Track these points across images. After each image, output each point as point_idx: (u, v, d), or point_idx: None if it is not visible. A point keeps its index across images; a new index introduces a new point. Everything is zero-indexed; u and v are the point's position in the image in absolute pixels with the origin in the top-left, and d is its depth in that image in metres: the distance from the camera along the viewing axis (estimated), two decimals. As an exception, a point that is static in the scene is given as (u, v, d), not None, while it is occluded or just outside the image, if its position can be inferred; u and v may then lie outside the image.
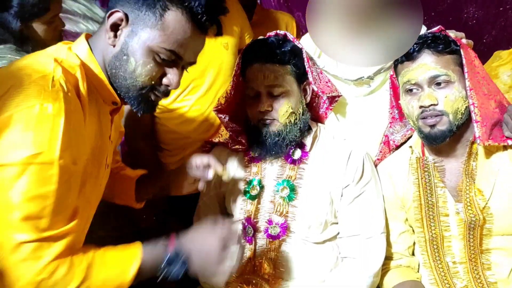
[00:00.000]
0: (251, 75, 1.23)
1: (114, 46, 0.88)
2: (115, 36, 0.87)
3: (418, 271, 1.24)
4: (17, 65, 0.85)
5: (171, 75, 0.89)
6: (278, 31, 1.29)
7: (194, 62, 0.94)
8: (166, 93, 0.93)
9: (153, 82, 0.89)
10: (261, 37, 1.30)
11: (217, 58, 1.51)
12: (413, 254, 1.27)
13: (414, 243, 1.26)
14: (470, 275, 1.07)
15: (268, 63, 1.20)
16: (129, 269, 0.85)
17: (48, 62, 0.83)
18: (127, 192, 1.23)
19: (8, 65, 0.89)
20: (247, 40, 1.62)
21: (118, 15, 0.85)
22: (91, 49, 0.90)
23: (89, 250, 0.85)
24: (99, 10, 1.98)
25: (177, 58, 0.88)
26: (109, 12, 0.86)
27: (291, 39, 1.27)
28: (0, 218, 0.76)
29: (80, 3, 1.94)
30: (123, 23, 0.86)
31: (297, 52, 1.25)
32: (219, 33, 0.95)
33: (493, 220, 1.06)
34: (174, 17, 0.85)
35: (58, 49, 0.89)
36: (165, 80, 0.90)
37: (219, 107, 1.35)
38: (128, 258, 0.86)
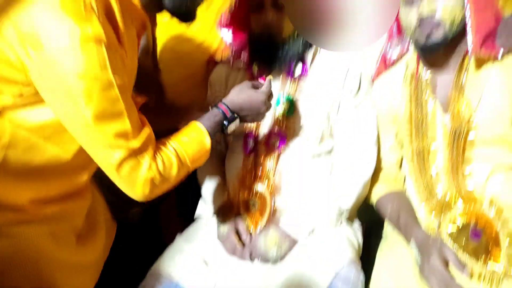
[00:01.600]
0: None
1: None
2: None
3: (404, 184, 1.30)
4: None
5: None
6: None
7: None
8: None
9: None
10: None
11: None
12: (400, 168, 1.32)
13: (402, 158, 1.31)
14: (451, 182, 1.13)
15: None
16: (204, 140, 1.00)
17: None
18: None
19: None
20: None
21: None
22: None
23: (165, 142, 0.96)
24: None
25: None
26: None
27: None
28: (87, 145, 0.85)
29: None
30: None
31: None
32: None
33: (477, 129, 1.08)
34: None
35: None
36: None
37: (223, 21, 1.34)
38: (198, 134, 1.00)
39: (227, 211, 1.32)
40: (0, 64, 0.79)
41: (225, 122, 1.05)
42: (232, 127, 1.07)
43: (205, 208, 1.40)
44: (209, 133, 1.01)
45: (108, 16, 0.81)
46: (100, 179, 1.18)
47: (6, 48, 0.77)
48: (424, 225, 1.16)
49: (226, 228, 1.27)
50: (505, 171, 1.09)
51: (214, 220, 1.33)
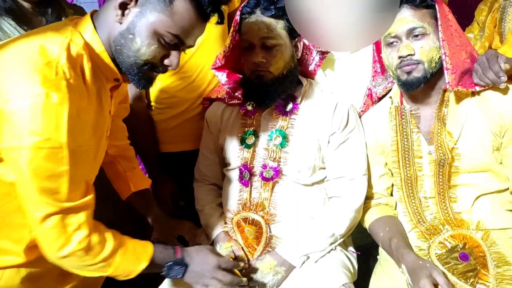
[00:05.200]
0: (246, 28, 1.27)
1: (121, 23, 0.89)
2: (123, 14, 0.89)
3: (395, 209, 1.33)
4: (22, 44, 0.85)
5: (173, 57, 0.93)
6: None
7: (192, 46, 0.97)
8: (164, 72, 0.97)
9: (154, 62, 0.92)
10: None
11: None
12: (391, 195, 1.36)
13: (392, 185, 1.34)
14: (439, 207, 1.16)
15: (263, 16, 1.24)
16: (142, 261, 0.97)
17: (53, 47, 0.84)
18: (121, 188, 1.35)
19: (13, 41, 0.88)
20: (236, 3, 1.61)
21: None
22: (95, 27, 0.92)
23: (114, 232, 0.96)
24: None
25: (180, 43, 0.92)
26: None
27: None
28: (24, 196, 0.85)
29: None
30: (132, 3, 0.88)
31: None
32: (221, 21, 0.99)
33: (460, 159, 1.14)
34: (182, 4, 0.88)
35: (64, 28, 0.90)
36: (166, 61, 0.94)
37: (217, 65, 1.40)
38: (143, 251, 0.98)
39: (224, 239, 1.32)
40: None
41: (168, 271, 1.02)
42: (172, 275, 1.03)
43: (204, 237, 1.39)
44: (150, 264, 0.98)
45: (81, 73, 0.87)
46: (103, 219, 1.17)
47: None
48: (415, 248, 1.18)
49: (224, 255, 1.26)
50: (490, 196, 1.14)
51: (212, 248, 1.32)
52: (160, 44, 0.90)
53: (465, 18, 1.50)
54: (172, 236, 1.36)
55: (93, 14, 0.95)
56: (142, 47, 0.89)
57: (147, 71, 0.94)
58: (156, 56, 0.91)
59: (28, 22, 1.39)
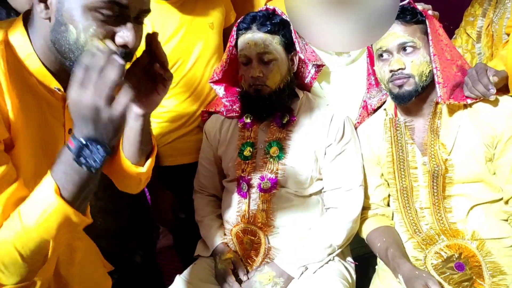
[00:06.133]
0: (243, 43, 1.29)
1: (49, 19, 0.70)
2: (46, 7, 0.70)
3: (392, 219, 1.34)
4: None
5: (124, 31, 0.69)
6: (268, 6, 1.35)
7: (147, 10, 0.74)
8: (127, 56, 0.71)
9: None
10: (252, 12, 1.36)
11: (203, 37, 1.51)
12: (388, 205, 1.37)
13: (388, 195, 1.35)
14: (434, 217, 1.18)
15: (259, 32, 1.27)
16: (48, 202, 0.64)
17: None
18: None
19: None
20: (232, 19, 1.64)
21: None
22: (26, 29, 0.74)
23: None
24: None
25: (123, 9, 0.68)
26: None
27: (280, 13, 1.34)
28: None
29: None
30: None
31: (285, 24, 1.31)
32: None
33: (454, 170, 1.15)
34: None
35: None
36: (118, 40, 0.69)
37: (215, 78, 1.43)
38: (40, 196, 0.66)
39: (224, 250, 1.33)
40: None
41: (79, 159, 0.63)
42: (97, 160, 0.64)
43: (203, 248, 1.41)
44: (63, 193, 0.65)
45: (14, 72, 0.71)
46: (107, 230, 1.18)
47: None
48: (411, 258, 1.19)
49: (223, 267, 1.28)
50: (484, 206, 1.15)
51: (212, 260, 1.34)
52: (99, 22, 0.68)
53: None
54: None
55: (26, 16, 0.76)
56: (80, 33, 0.68)
57: None
58: (102, 39, 0.68)
59: None
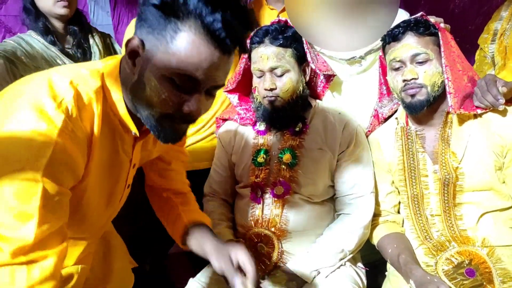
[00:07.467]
0: (256, 57, 1.32)
1: (134, 74, 0.77)
2: (134, 64, 0.76)
3: (402, 226, 1.36)
4: (33, 81, 0.76)
5: (191, 102, 0.76)
6: (280, 18, 1.38)
7: (219, 86, 0.79)
8: (191, 121, 0.80)
9: (171, 111, 0.77)
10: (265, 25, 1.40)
11: None
12: (398, 212, 1.38)
13: (399, 203, 1.37)
14: (445, 224, 1.20)
15: (272, 46, 1.30)
16: None
17: (62, 84, 0.75)
18: (176, 232, 1.11)
19: (27, 78, 0.79)
20: None
21: (134, 43, 0.74)
22: (120, 74, 0.82)
23: None
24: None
25: (196, 83, 0.74)
26: (127, 39, 0.75)
27: (292, 25, 1.38)
28: None
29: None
30: (141, 50, 0.74)
31: (297, 37, 1.33)
32: (243, 50, 0.78)
33: (464, 178, 1.17)
34: (186, 38, 0.70)
35: (90, 66, 0.83)
36: (185, 108, 0.76)
37: (229, 88, 1.46)
38: None
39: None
40: None
41: None
42: None
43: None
44: None
45: (88, 115, 0.77)
46: (122, 234, 1.20)
47: None
48: (422, 264, 1.21)
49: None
50: (494, 214, 1.16)
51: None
52: (172, 89, 0.74)
53: (465, 43, 1.53)
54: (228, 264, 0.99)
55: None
56: (153, 96, 0.75)
57: (165, 123, 0.79)
58: (171, 105, 0.76)
59: (56, 40, 1.48)
